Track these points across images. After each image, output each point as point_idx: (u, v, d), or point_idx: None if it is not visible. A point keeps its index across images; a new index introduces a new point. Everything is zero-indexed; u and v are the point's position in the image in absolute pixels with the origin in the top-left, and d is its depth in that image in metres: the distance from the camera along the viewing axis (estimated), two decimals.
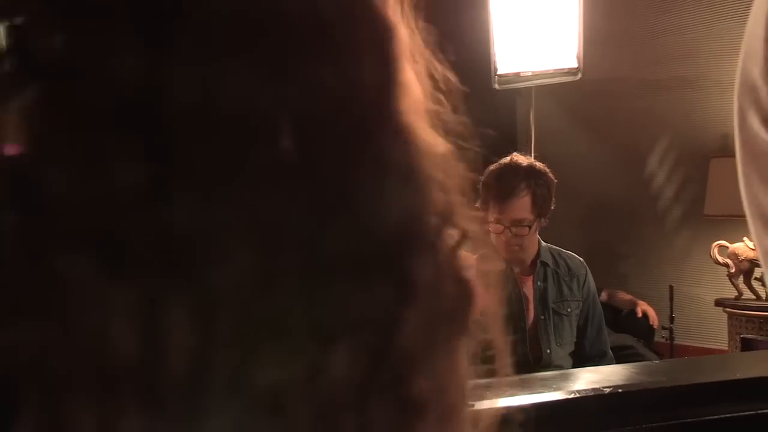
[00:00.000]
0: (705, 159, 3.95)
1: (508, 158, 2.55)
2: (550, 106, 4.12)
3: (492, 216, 2.50)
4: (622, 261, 4.47)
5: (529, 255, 2.64)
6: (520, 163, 2.52)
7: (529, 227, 2.52)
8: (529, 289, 2.64)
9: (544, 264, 2.65)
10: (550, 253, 2.69)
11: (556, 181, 2.55)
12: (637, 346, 3.53)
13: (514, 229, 2.50)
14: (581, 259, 2.75)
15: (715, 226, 3.91)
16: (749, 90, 0.54)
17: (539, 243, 2.67)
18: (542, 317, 2.60)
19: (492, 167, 2.53)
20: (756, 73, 0.53)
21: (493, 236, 2.51)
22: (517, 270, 2.62)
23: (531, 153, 3.11)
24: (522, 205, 2.49)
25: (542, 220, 2.56)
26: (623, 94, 4.44)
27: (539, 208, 2.51)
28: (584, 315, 2.68)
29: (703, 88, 4.18)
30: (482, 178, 2.52)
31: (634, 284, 4.26)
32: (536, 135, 3.84)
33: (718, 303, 3.78)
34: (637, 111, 4.37)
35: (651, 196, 4.38)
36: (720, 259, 3.72)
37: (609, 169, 4.44)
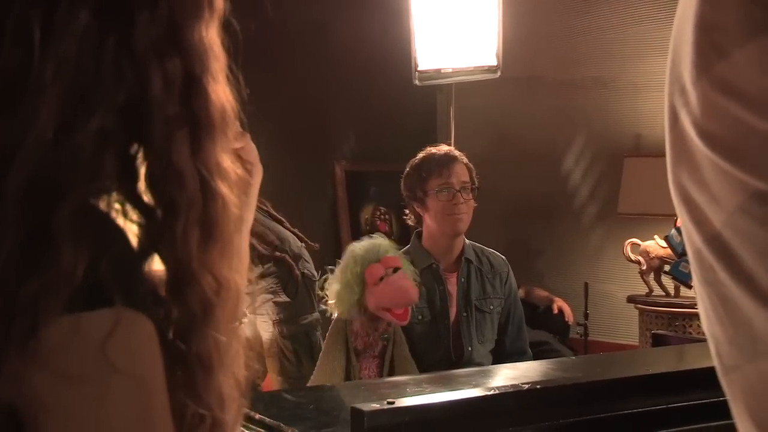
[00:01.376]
0: (619, 158, 4.05)
1: (434, 146, 2.71)
2: (470, 104, 4.15)
3: (435, 186, 2.57)
4: (539, 258, 4.54)
5: (456, 249, 2.69)
6: (448, 148, 2.73)
7: (472, 192, 2.62)
8: (452, 285, 2.67)
9: (468, 261, 2.69)
10: (474, 250, 2.73)
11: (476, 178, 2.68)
12: (553, 342, 3.62)
13: (463, 194, 2.58)
14: (503, 257, 2.80)
15: (628, 225, 4.02)
16: (680, 91, 0.55)
17: (463, 240, 2.71)
18: (464, 314, 2.64)
19: (421, 154, 2.67)
20: (686, 76, 0.54)
21: (439, 208, 2.58)
22: (440, 267, 2.65)
23: None
24: (463, 169, 2.62)
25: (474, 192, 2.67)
26: (541, 92, 4.52)
27: (472, 179, 2.64)
28: (506, 313, 2.73)
29: (618, 89, 4.28)
30: (411, 164, 2.66)
31: (551, 281, 4.33)
32: (456, 132, 3.88)
33: (630, 299, 3.89)
34: (555, 110, 4.45)
35: (567, 194, 4.46)
36: (632, 256, 3.83)
37: (527, 167, 4.51)
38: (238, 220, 0.63)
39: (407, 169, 2.67)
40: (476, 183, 2.65)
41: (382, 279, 2.18)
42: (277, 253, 2.69)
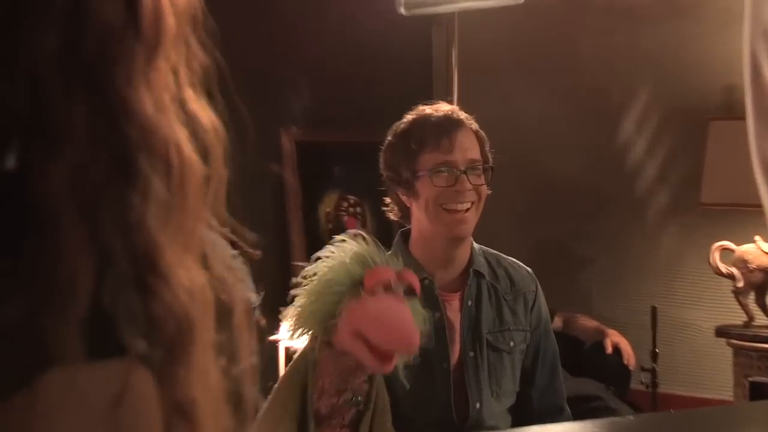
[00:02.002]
0: (702, 122, 4.04)
1: (429, 105, 2.67)
2: (480, 42, 4.15)
3: (429, 164, 2.55)
4: (582, 270, 4.55)
5: (461, 258, 2.65)
6: (449, 106, 2.69)
7: (485, 174, 2.59)
8: (454, 311, 2.63)
9: (478, 275, 2.65)
10: (486, 259, 2.70)
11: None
12: (605, 396, 3.62)
13: (471, 177, 2.56)
14: (529, 269, 2.76)
15: (716, 220, 4.02)
16: (763, 35, 0.56)
17: (471, 244, 2.67)
18: (471, 354, 2.60)
19: (409, 116, 2.64)
20: None
21: (434, 196, 2.55)
22: (436, 284, 2.61)
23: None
24: (473, 140, 2.60)
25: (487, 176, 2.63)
26: (585, 26, 4.51)
27: (484, 155, 2.62)
28: (533, 352, 2.69)
29: (702, 20, 4.25)
30: (395, 130, 2.65)
31: (600, 305, 4.34)
32: (460, 84, 3.86)
33: (720, 332, 3.86)
34: (606, 51, 4.44)
35: (624, 176, 4.45)
36: (722, 267, 3.79)
37: (563, 136, 4.49)
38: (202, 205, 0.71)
39: (389, 139, 2.63)
40: (490, 160, 2.64)
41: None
42: None
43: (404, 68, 4.45)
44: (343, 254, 2.11)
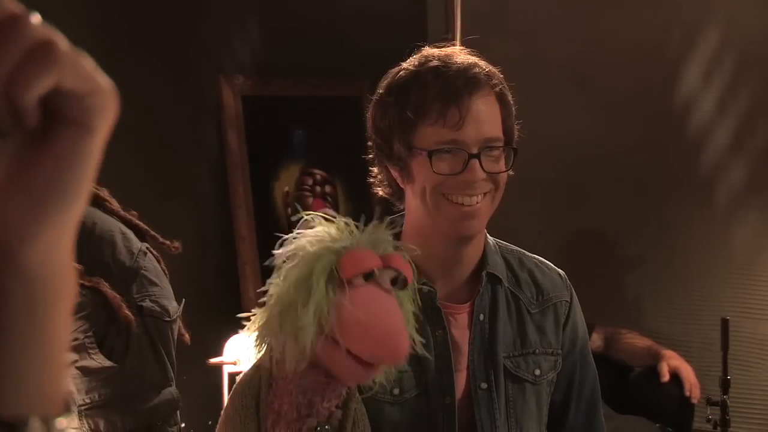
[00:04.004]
0: None
1: (440, 48, 2.59)
2: None
3: (432, 140, 2.48)
4: (629, 272, 4.58)
5: (470, 256, 2.63)
6: (467, 57, 2.56)
7: (505, 157, 2.52)
8: (461, 328, 2.63)
9: (494, 279, 2.65)
10: (504, 258, 2.71)
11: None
12: None
13: (487, 160, 2.47)
14: (561, 272, 2.77)
15: None
16: None
17: (483, 239, 2.66)
18: (484, 385, 2.60)
19: (409, 63, 2.55)
20: None
21: (435, 184, 2.49)
22: (438, 293, 2.60)
23: None
24: (493, 109, 2.51)
25: (510, 158, 2.57)
26: None
27: (507, 127, 2.55)
28: (565, 383, 2.72)
29: None
30: (387, 82, 2.56)
31: (653, 317, 4.38)
32: (463, 16, 3.85)
33: None
34: None
35: (685, 148, 4.48)
36: None
37: (604, 93, 4.52)
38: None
39: (379, 92, 2.58)
40: (515, 137, 2.58)
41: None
42: (87, 278, 2.70)
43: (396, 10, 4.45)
44: (305, 242, 2.07)
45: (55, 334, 0.89)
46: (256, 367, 2.26)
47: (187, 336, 2.98)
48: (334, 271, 2.02)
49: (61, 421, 0.89)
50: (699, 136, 4.46)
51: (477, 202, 2.48)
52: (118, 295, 2.73)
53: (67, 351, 0.89)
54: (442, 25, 4.08)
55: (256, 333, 2.12)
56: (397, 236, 2.63)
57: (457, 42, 3.77)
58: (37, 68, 0.84)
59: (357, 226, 2.09)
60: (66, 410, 0.90)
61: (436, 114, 2.45)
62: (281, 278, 2.07)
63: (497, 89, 2.50)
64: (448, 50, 2.56)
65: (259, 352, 2.16)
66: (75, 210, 0.94)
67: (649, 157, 4.51)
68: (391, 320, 2.06)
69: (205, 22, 4.55)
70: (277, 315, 2.10)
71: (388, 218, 2.66)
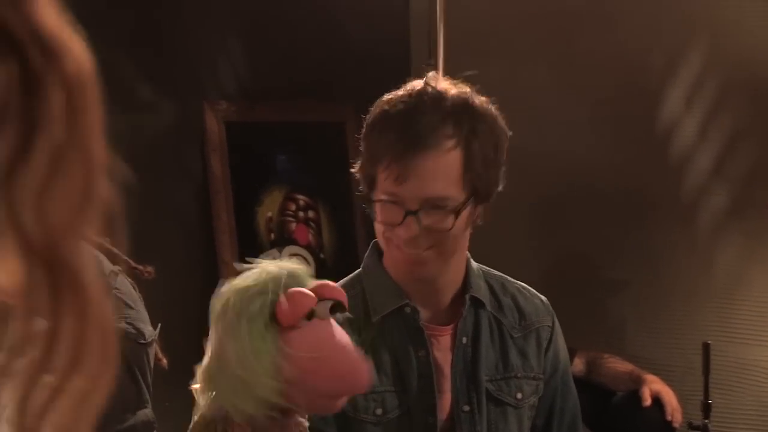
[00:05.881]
0: None
1: (418, 82, 2.56)
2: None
3: (383, 191, 2.49)
4: (612, 295, 4.57)
5: (450, 281, 2.64)
6: (444, 90, 2.53)
7: (455, 215, 2.49)
8: (444, 350, 2.65)
9: (477, 303, 2.66)
10: (487, 282, 2.72)
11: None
12: None
13: (423, 217, 2.47)
14: (543, 298, 2.80)
15: None
16: None
17: (468, 262, 2.67)
18: (466, 408, 2.61)
19: (387, 97, 2.54)
20: None
21: (380, 232, 2.55)
22: (421, 314, 2.61)
23: None
24: (444, 167, 2.47)
25: (478, 207, 2.56)
26: None
27: (475, 179, 2.50)
28: (547, 407, 2.74)
29: None
30: (373, 115, 2.56)
31: (636, 340, 4.37)
32: (447, 50, 3.85)
33: None
34: (645, 3, 4.47)
35: (668, 172, 4.47)
36: None
37: (589, 116, 4.51)
38: None
39: (368, 122, 2.59)
40: (490, 183, 2.58)
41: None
42: None
43: (374, 23, 4.43)
44: (224, 300, 2.02)
45: None
46: (205, 417, 2.22)
47: (164, 361, 2.95)
48: (272, 322, 1.99)
49: None
50: (681, 160, 4.46)
51: (422, 252, 2.48)
52: None
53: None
54: (425, 51, 4.08)
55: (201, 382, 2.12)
56: (381, 256, 2.65)
57: (440, 68, 3.77)
58: None
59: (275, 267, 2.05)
60: None
61: (386, 164, 2.47)
62: (220, 333, 2.04)
63: (463, 139, 2.46)
64: (423, 88, 2.52)
65: (202, 401, 2.15)
66: None
67: (632, 182, 4.51)
68: (346, 352, 2.05)
69: (189, 49, 4.54)
70: (228, 375, 2.07)
71: (374, 241, 2.68)
